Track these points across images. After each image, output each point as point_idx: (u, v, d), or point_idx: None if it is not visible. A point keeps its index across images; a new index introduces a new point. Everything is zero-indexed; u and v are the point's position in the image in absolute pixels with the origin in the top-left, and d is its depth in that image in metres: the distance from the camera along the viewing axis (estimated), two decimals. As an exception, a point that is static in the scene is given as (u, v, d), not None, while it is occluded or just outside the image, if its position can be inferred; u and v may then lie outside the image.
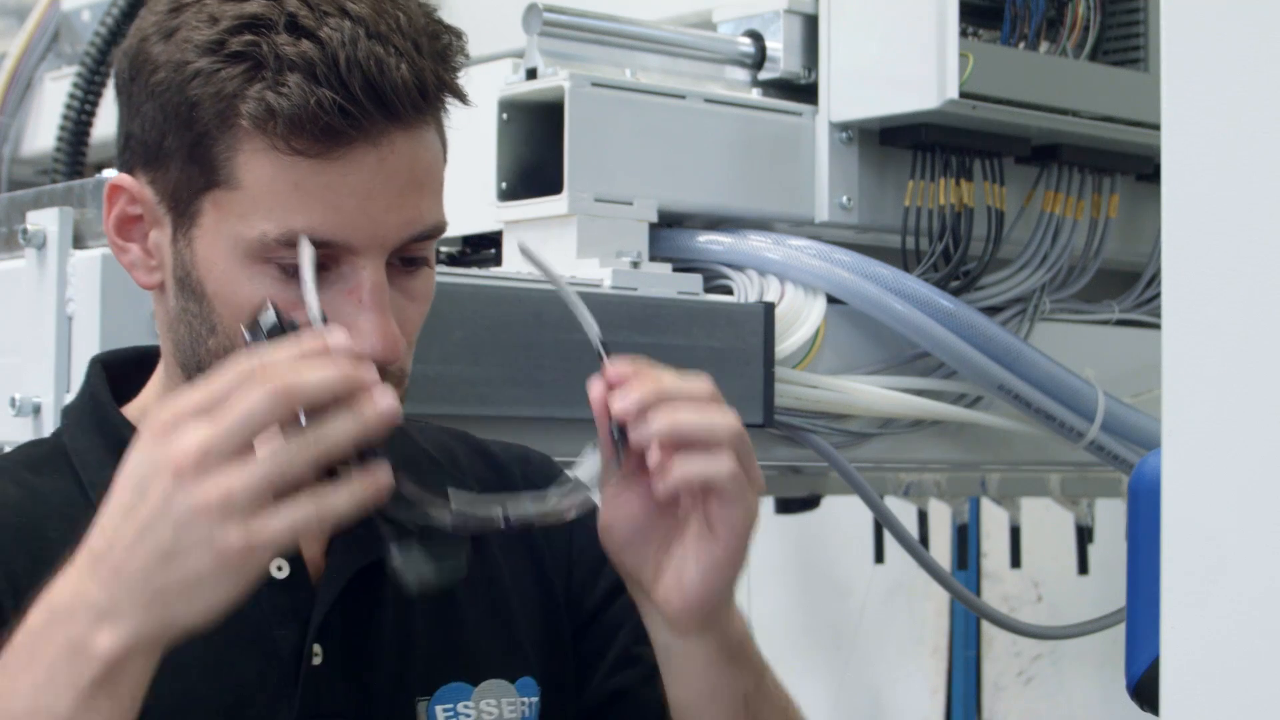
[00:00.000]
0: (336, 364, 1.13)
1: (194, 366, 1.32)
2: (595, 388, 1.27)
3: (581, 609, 1.49)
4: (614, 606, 1.48)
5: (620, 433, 1.26)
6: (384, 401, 1.13)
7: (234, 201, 1.26)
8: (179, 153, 1.28)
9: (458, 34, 1.31)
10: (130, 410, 1.39)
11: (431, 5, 1.32)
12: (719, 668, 1.35)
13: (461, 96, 1.31)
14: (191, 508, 1.09)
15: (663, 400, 1.26)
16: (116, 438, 1.34)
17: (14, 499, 1.34)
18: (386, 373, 1.28)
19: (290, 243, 1.25)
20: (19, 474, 1.37)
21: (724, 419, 1.27)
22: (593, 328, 1.30)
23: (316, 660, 1.33)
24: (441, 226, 1.32)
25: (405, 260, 1.31)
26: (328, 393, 1.12)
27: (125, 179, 1.33)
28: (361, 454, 1.14)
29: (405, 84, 1.24)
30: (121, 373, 1.42)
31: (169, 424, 1.12)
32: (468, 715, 1.39)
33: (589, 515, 1.37)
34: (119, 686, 1.12)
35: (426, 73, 1.26)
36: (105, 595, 1.11)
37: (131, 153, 1.32)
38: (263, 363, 1.12)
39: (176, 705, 1.27)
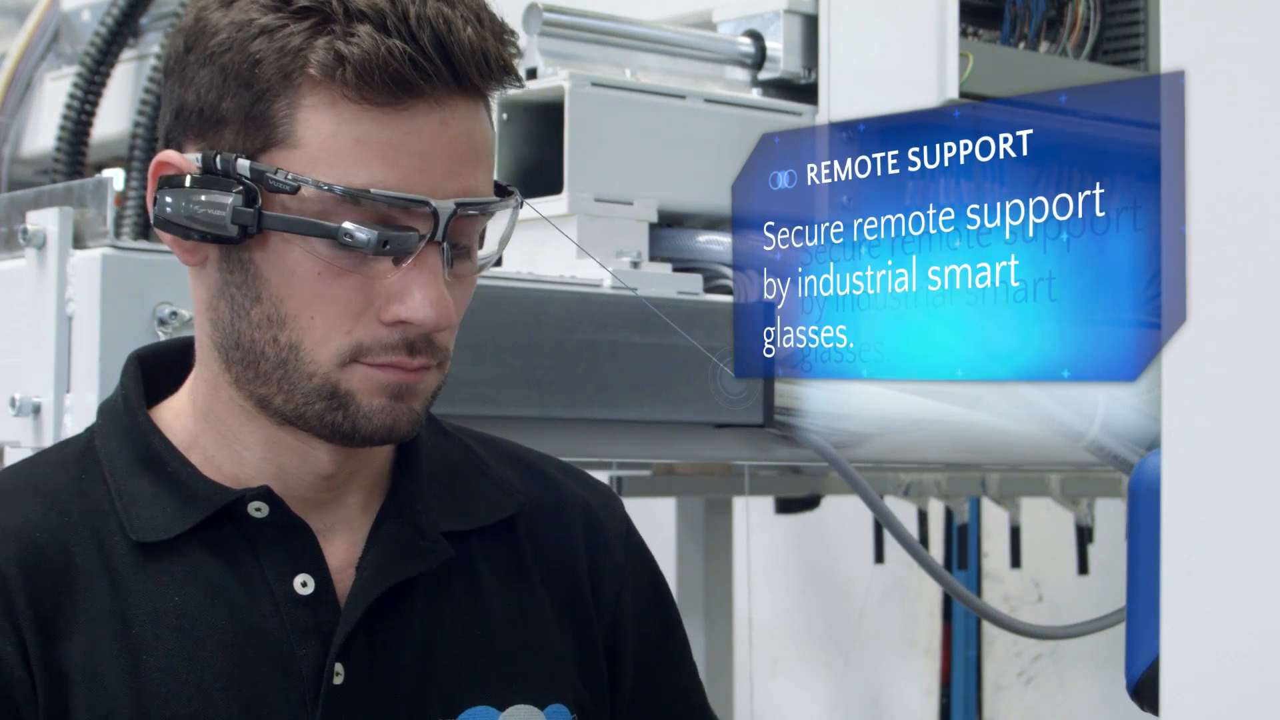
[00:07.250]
0: None
1: (233, 344, 1.29)
2: None
3: (621, 669, 1.47)
4: (657, 684, 1.49)
5: None
6: None
7: (291, 161, 1.24)
8: (236, 114, 1.26)
9: (511, 30, 1.31)
10: (161, 411, 1.36)
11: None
12: None
13: (518, 77, 1.30)
14: None
15: None
16: (143, 445, 1.33)
17: (40, 520, 1.31)
18: (433, 346, 1.28)
19: (351, 199, 1.23)
20: (51, 481, 1.34)
21: None
22: None
23: (338, 679, 1.30)
24: (491, 208, 1.30)
25: (454, 245, 1.29)
26: None
27: (172, 154, 1.30)
28: None
29: (472, 47, 1.24)
30: (160, 366, 1.38)
31: None
32: None
33: (649, 579, 1.46)
34: None
35: (489, 43, 1.26)
36: None
37: (183, 125, 1.29)
38: None
39: None
